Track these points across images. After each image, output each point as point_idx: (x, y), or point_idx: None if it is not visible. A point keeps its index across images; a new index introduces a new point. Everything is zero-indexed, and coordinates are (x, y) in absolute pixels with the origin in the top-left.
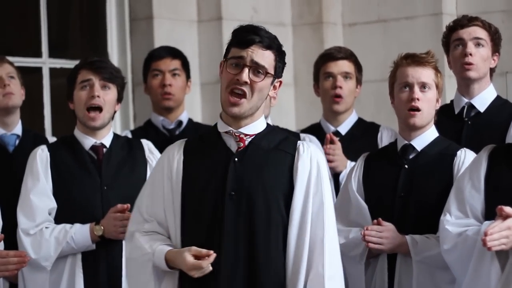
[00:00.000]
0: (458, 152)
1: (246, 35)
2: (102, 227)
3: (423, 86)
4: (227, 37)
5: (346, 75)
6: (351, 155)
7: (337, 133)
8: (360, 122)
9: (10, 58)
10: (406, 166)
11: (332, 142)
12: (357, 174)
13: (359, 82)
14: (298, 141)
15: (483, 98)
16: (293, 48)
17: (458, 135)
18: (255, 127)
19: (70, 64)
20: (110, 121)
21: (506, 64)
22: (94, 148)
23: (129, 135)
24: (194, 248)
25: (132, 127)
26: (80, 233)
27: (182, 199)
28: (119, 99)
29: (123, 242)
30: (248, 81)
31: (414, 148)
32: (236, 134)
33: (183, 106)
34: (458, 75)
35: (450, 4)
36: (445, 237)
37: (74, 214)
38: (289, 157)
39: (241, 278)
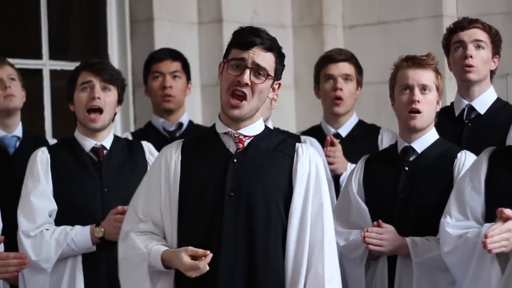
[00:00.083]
0: (459, 154)
1: (248, 37)
2: (102, 229)
3: (423, 88)
4: (227, 39)
5: (346, 77)
6: (351, 157)
7: (337, 135)
8: (360, 124)
9: (11, 60)
10: (407, 168)
11: (332, 144)
12: (358, 176)
13: (359, 84)
14: (297, 143)
15: (484, 100)
16: (294, 50)
17: (459, 137)
18: (254, 128)
19: (70, 66)
20: (110, 123)
21: (507, 66)
22: (94, 150)
23: (130, 137)
24: (190, 248)
25: (132, 129)
26: (80, 235)
27: (179, 199)
28: (120, 101)
29: None
30: (249, 83)
31: (414, 150)
32: (235, 135)
33: (184, 108)
34: (458, 77)
35: (451, 6)
36: (446, 239)
37: (75, 216)
38: (288, 158)
39: (240, 279)
